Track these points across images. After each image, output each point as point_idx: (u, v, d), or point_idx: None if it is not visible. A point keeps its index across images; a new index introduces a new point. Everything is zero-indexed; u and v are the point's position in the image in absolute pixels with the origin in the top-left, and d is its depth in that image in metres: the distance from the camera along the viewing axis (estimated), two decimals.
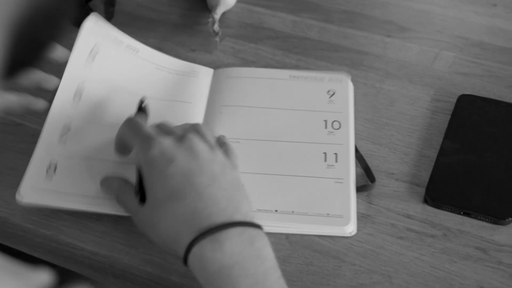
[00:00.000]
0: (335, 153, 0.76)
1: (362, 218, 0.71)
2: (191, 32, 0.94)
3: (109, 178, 0.69)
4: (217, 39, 0.92)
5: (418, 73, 0.88)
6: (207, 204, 0.58)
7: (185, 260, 0.57)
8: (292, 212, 0.71)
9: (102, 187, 0.69)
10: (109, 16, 0.94)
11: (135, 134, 0.65)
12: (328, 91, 0.83)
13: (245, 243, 0.56)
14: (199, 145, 0.62)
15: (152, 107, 0.74)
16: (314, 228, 0.70)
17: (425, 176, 0.75)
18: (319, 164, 0.75)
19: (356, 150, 0.77)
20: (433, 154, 0.77)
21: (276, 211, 0.71)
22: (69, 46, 0.77)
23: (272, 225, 0.69)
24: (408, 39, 0.93)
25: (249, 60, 0.90)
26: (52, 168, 0.71)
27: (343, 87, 0.84)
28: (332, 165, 0.75)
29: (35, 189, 0.69)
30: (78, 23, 0.88)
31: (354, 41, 0.93)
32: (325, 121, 0.80)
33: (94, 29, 0.81)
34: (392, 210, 0.72)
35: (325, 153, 0.76)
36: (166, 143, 0.61)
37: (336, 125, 0.79)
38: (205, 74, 0.86)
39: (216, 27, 0.91)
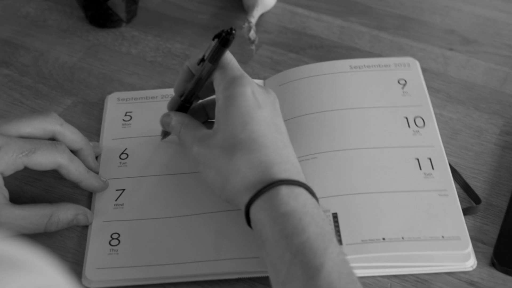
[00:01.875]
0: (429, 158, 0.66)
1: (417, 283, 0.60)
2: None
3: (170, 113, 0.65)
4: (253, 47, 0.80)
5: (485, 97, 0.76)
6: (285, 161, 0.57)
7: (251, 201, 0.55)
8: (402, 238, 0.60)
9: (162, 124, 0.66)
10: (130, 15, 0.83)
11: (223, 64, 0.61)
12: (399, 81, 0.72)
13: (315, 204, 0.55)
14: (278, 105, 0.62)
15: None
16: (430, 258, 0.60)
17: (493, 231, 0.63)
18: (415, 173, 0.65)
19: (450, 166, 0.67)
20: (503, 203, 0.66)
21: (383, 239, 0.60)
22: (86, 44, 0.66)
23: (381, 255, 0.59)
24: (473, 53, 0.81)
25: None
26: (115, 241, 0.62)
27: (414, 73, 0.74)
28: (430, 174, 0.65)
29: (102, 269, 0.60)
30: (95, 22, 0.77)
31: (409, 54, 0.81)
32: (406, 118, 0.69)
33: (118, 106, 0.75)
34: (452, 274, 0.61)
35: (417, 158, 0.66)
36: (258, 87, 0.60)
37: (419, 122, 0.69)
38: None
39: (252, 33, 0.79)
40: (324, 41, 0.82)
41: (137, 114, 0.73)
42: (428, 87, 0.76)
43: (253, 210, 0.55)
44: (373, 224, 0.61)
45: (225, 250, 0.61)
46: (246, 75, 0.60)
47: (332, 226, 0.60)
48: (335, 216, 0.62)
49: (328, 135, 0.68)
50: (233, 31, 0.59)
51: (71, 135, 0.65)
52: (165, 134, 0.69)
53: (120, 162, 0.68)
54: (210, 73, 0.61)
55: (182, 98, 0.65)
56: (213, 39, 0.60)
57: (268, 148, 0.57)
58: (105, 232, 0.63)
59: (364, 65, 0.74)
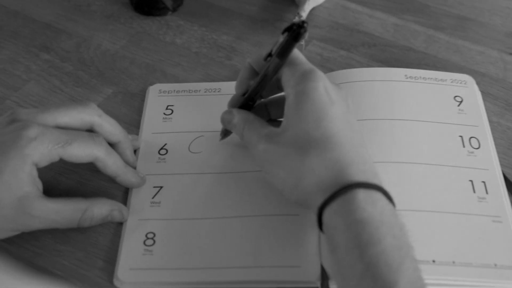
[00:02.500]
0: (483, 182, 0.62)
1: None
2: (272, 30, 0.79)
3: (232, 110, 0.62)
4: (303, 42, 0.76)
5: None
6: (362, 161, 0.54)
7: (324, 204, 0.52)
8: (453, 262, 0.56)
9: (223, 121, 0.63)
10: (177, 3, 0.80)
11: (293, 59, 0.58)
12: (455, 97, 0.69)
13: (393, 212, 0.52)
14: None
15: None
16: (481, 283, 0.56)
17: None
18: (468, 196, 0.61)
19: (506, 179, 0.63)
20: None
21: (433, 261, 0.57)
22: (130, 32, 0.63)
23: (431, 278, 0.55)
24: None
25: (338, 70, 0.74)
26: (150, 241, 0.60)
27: (470, 92, 0.70)
28: (484, 198, 0.61)
29: (135, 270, 0.58)
30: (140, 9, 0.74)
31: (466, 57, 0.77)
32: (461, 137, 0.66)
33: (159, 99, 0.72)
34: None
35: (471, 181, 0.62)
36: (329, 83, 0.57)
37: (474, 143, 0.65)
38: None
39: None
40: (377, 39, 0.78)
41: (179, 108, 0.70)
42: (486, 93, 0.72)
43: (327, 213, 0.52)
44: (423, 244, 0.57)
45: (265, 257, 0.58)
46: (317, 69, 0.57)
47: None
48: None
49: (380, 145, 0.64)
50: (305, 24, 0.55)
51: (109, 127, 0.62)
52: (226, 133, 0.65)
53: (159, 158, 0.66)
54: (277, 69, 0.58)
55: (245, 96, 0.62)
56: (282, 33, 0.57)
57: (345, 146, 0.54)
58: (140, 231, 0.60)
59: (420, 77, 0.71)
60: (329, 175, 0.52)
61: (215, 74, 0.75)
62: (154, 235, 0.60)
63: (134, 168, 0.65)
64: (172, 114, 0.69)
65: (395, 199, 0.59)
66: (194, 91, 0.72)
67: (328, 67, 0.75)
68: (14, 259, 0.60)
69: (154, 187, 0.63)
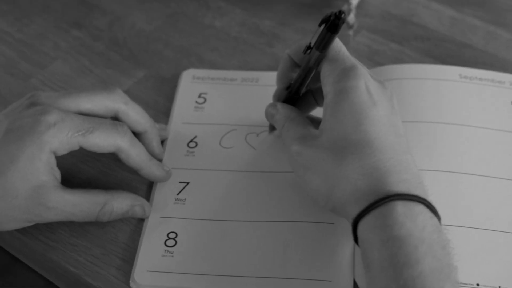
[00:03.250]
0: None
1: None
2: (318, 18, 0.72)
3: (277, 104, 0.58)
4: (351, 32, 0.71)
5: None
6: (404, 169, 0.49)
7: (360, 216, 0.47)
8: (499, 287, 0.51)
9: (267, 115, 0.59)
10: None
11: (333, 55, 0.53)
12: None
13: (436, 227, 0.47)
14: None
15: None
16: None
17: None
18: None
19: None
20: None
21: (477, 285, 0.52)
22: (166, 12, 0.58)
23: None
24: None
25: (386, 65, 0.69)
26: (171, 241, 0.55)
27: None
28: None
29: (153, 272, 0.53)
30: None
31: None
32: None
33: (192, 86, 0.67)
34: None
35: None
36: (373, 81, 0.52)
37: None
38: None
39: (351, 17, 0.70)
40: (432, 33, 0.72)
41: (212, 96, 0.65)
42: None
43: (362, 226, 0.47)
44: (468, 265, 0.52)
45: (293, 268, 0.53)
46: (358, 65, 0.52)
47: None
48: None
49: (430, 150, 0.59)
50: (342, 15, 0.50)
51: (135, 115, 0.58)
52: (273, 127, 0.61)
53: (187, 151, 0.61)
54: (318, 62, 0.53)
55: (289, 90, 0.57)
56: (320, 25, 0.52)
57: (385, 153, 0.49)
58: (162, 229, 0.56)
59: (476, 77, 0.65)
60: (366, 184, 0.48)
61: (254, 62, 0.70)
62: (176, 235, 0.55)
63: (160, 160, 0.60)
64: (205, 103, 0.65)
65: (441, 213, 0.54)
66: (230, 79, 0.67)
67: (376, 60, 0.69)
68: (27, 250, 0.57)
69: (180, 182, 0.59)
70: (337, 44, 0.53)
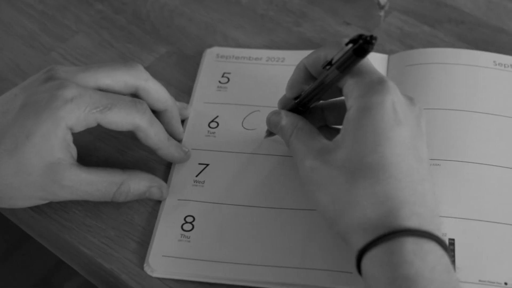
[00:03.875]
0: None
1: None
2: None
3: (281, 112, 0.54)
4: (382, 13, 0.68)
5: None
6: (419, 201, 0.45)
7: (366, 248, 0.44)
8: None
9: (269, 123, 0.55)
10: None
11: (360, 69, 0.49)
12: None
13: (445, 267, 0.43)
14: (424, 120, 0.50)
15: None
16: None
17: None
18: None
19: None
20: None
21: (505, 284, 0.49)
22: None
23: None
24: None
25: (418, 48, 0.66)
26: (188, 225, 0.54)
27: None
28: None
29: (169, 257, 0.52)
30: None
31: None
32: None
33: (216, 64, 0.65)
34: None
35: None
36: (401, 97, 0.48)
37: None
38: (378, 63, 0.63)
39: None
40: (467, 16, 0.69)
41: (236, 76, 0.63)
42: None
43: (367, 260, 0.44)
44: (496, 263, 0.50)
45: (313, 258, 0.51)
46: (386, 78, 0.48)
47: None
48: (451, 243, 0.51)
49: (458, 140, 0.56)
50: (374, 40, 0.46)
51: (155, 93, 0.56)
52: (270, 133, 0.57)
53: (208, 131, 0.59)
54: (336, 81, 0.50)
55: (297, 101, 0.53)
56: (347, 44, 0.48)
57: (400, 180, 0.45)
58: (179, 212, 0.54)
59: (511, 65, 0.61)
60: (376, 213, 0.44)
61: (280, 41, 0.67)
62: (194, 219, 0.53)
63: (180, 140, 0.58)
64: (228, 83, 0.62)
65: (467, 207, 0.52)
66: (255, 58, 0.65)
67: (407, 43, 0.66)
68: (41, 229, 0.56)
69: (200, 164, 0.57)
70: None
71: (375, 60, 0.62)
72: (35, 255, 0.65)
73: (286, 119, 0.53)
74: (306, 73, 0.53)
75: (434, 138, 0.56)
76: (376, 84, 0.47)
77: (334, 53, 0.49)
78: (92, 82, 0.53)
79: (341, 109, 0.51)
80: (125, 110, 0.52)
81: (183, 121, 0.60)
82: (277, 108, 0.57)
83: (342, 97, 0.51)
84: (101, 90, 0.53)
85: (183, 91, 0.63)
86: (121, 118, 0.52)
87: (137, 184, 0.53)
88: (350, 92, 0.48)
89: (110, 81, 0.54)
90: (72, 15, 0.70)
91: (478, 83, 0.60)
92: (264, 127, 0.59)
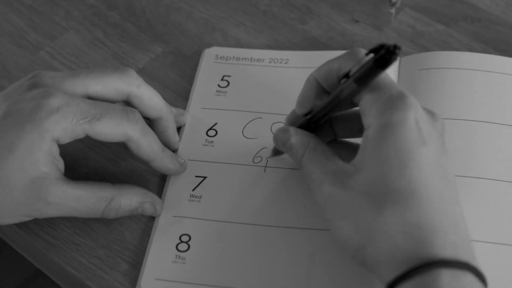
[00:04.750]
0: None
1: None
2: None
3: (289, 129, 0.50)
4: (393, 10, 0.64)
5: None
6: (452, 228, 0.41)
7: (397, 281, 0.40)
8: None
9: (276, 140, 0.51)
10: None
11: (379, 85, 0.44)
12: None
13: None
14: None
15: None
16: None
17: None
18: None
19: None
20: None
21: None
22: None
23: None
24: None
25: (431, 50, 0.62)
26: (184, 245, 0.50)
27: None
28: None
29: (162, 281, 0.48)
30: None
31: None
32: None
33: (215, 66, 0.61)
34: None
35: None
36: (423, 113, 0.44)
37: None
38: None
39: None
40: (484, 14, 0.65)
41: (237, 79, 0.59)
42: None
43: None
44: None
45: (319, 283, 0.47)
46: (406, 93, 0.44)
47: None
48: None
49: (475, 154, 0.52)
50: (397, 50, 0.41)
51: (149, 100, 0.52)
52: (277, 152, 0.53)
53: (206, 140, 0.55)
54: (353, 94, 0.45)
55: (308, 118, 0.49)
56: (367, 54, 0.43)
57: (431, 206, 0.41)
58: (174, 231, 0.50)
59: None
60: (407, 243, 0.40)
61: (284, 40, 0.63)
62: (190, 238, 0.50)
63: (175, 150, 0.54)
64: (228, 87, 0.58)
65: (489, 229, 0.48)
66: (257, 60, 0.60)
67: (420, 43, 0.62)
68: (27, 246, 0.52)
69: (196, 176, 0.53)
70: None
71: None
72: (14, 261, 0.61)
73: (296, 138, 0.48)
74: (317, 87, 0.48)
75: (450, 151, 0.52)
76: (396, 100, 0.43)
77: (349, 65, 0.44)
78: (80, 89, 0.49)
79: (354, 122, 0.47)
80: (116, 120, 0.48)
81: (179, 129, 0.56)
82: (283, 123, 0.53)
83: (353, 109, 0.47)
84: (90, 97, 0.49)
85: (180, 94, 0.58)
86: (111, 129, 0.48)
87: (129, 199, 0.50)
88: (368, 108, 0.44)
89: (100, 87, 0.50)
90: (63, 10, 0.65)
91: (498, 91, 0.56)
92: (266, 136, 0.55)
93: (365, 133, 0.44)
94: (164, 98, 0.56)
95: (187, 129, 0.56)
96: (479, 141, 0.53)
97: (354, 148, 0.47)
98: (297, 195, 0.51)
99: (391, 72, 0.57)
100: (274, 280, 0.47)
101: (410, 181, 0.41)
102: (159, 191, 0.52)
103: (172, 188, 0.52)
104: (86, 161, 0.54)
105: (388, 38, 0.62)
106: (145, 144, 0.50)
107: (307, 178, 0.46)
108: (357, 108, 0.46)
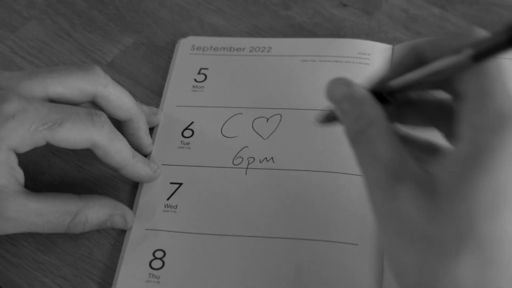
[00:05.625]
0: None
1: None
2: None
3: (353, 84, 0.37)
4: None
5: None
6: None
7: None
8: None
9: (331, 95, 0.37)
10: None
11: None
12: None
13: None
14: None
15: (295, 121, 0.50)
16: None
17: None
18: None
19: None
20: None
21: None
22: None
23: None
24: None
25: (426, 37, 0.56)
26: (158, 262, 0.45)
27: None
28: None
29: None
30: None
31: None
32: None
33: (191, 58, 0.55)
34: None
35: None
36: None
37: None
38: (379, 55, 0.54)
39: None
40: None
41: (215, 72, 0.54)
42: None
43: None
44: None
45: None
46: None
47: None
48: None
49: None
50: None
51: (117, 100, 0.47)
52: (331, 119, 0.40)
53: (181, 142, 0.50)
54: (458, 71, 0.35)
55: (386, 90, 0.38)
56: (501, 31, 0.33)
57: None
58: (147, 246, 0.45)
59: None
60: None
61: (265, 28, 0.58)
62: (164, 254, 0.45)
63: (149, 153, 0.49)
64: (205, 81, 0.53)
65: None
66: (237, 49, 0.55)
67: (414, 29, 0.57)
68: None
69: (172, 183, 0.48)
70: (497, 67, 0.34)
71: (376, 52, 0.53)
72: None
73: (361, 93, 0.37)
74: (415, 56, 0.38)
75: None
76: (508, 118, 0.33)
77: (463, 41, 0.34)
78: (39, 91, 0.44)
79: (427, 109, 0.39)
80: (80, 125, 0.43)
81: (152, 130, 0.51)
82: (266, 118, 0.48)
83: (434, 94, 0.39)
84: (51, 100, 0.45)
85: (153, 91, 0.53)
86: (74, 135, 0.43)
87: (96, 212, 0.45)
88: (468, 118, 0.34)
89: (62, 88, 0.45)
90: None
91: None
92: (247, 133, 0.50)
93: (457, 146, 0.34)
94: (136, 95, 0.51)
95: (161, 129, 0.51)
96: None
97: (425, 146, 0.39)
98: (283, 201, 0.46)
99: (381, 61, 0.53)
100: None
101: (501, 229, 0.32)
102: (131, 199, 0.48)
103: (145, 197, 0.47)
104: (50, 169, 0.50)
105: (379, 24, 0.57)
106: (113, 150, 0.45)
107: (361, 165, 0.36)
108: (439, 95, 0.38)
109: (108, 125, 0.44)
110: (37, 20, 0.58)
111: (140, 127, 0.48)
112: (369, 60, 0.53)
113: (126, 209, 0.46)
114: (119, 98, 0.47)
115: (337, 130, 0.39)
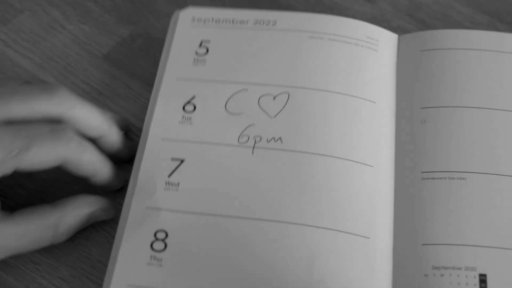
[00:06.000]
0: None
1: None
2: None
3: None
4: None
5: None
6: None
7: None
8: None
9: None
10: None
11: None
12: None
13: None
14: None
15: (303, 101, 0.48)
16: None
17: None
18: None
19: None
20: None
21: None
22: None
23: None
24: None
25: (431, 25, 0.55)
26: (160, 243, 0.43)
27: None
28: None
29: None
30: None
31: None
32: None
33: (191, 31, 0.52)
34: None
35: None
36: None
37: None
38: (386, 43, 0.52)
39: None
40: None
41: (217, 45, 0.52)
42: None
43: None
44: None
45: (321, 286, 0.41)
46: None
47: None
48: (483, 280, 0.41)
49: (487, 147, 0.46)
50: None
51: (85, 120, 0.44)
52: None
53: (183, 117, 0.48)
54: None
55: None
56: None
57: None
58: (148, 226, 0.44)
59: None
60: None
61: None
62: (167, 235, 0.43)
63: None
64: (207, 55, 0.51)
65: (501, 232, 0.42)
66: (240, 21, 0.53)
67: (418, 18, 0.56)
68: None
69: (173, 159, 0.46)
70: None
71: (384, 39, 0.51)
72: None
73: None
74: None
75: (457, 145, 0.46)
76: None
77: None
78: (2, 114, 0.42)
79: None
80: (46, 145, 0.41)
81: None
82: (272, 96, 0.48)
83: None
84: (14, 121, 0.42)
85: (150, 84, 0.52)
86: (43, 157, 0.41)
87: (75, 216, 0.43)
88: None
89: (26, 113, 0.42)
90: None
91: (509, 74, 0.49)
92: (252, 110, 0.48)
93: None
94: (132, 88, 0.50)
95: (160, 103, 0.49)
96: (492, 132, 0.47)
97: None
98: (292, 184, 0.45)
99: (389, 52, 0.51)
100: (268, 282, 0.41)
101: None
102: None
103: (145, 173, 0.46)
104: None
105: (382, 12, 0.56)
106: (85, 161, 0.43)
107: None
108: None
109: (75, 138, 0.43)
110: (30, 12, 0.56)
111: (113, 141, 0.47)
112: (377, 46, 0.51)
113: (104, 201, 0.45)
114: (87, 118, 0.44)
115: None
